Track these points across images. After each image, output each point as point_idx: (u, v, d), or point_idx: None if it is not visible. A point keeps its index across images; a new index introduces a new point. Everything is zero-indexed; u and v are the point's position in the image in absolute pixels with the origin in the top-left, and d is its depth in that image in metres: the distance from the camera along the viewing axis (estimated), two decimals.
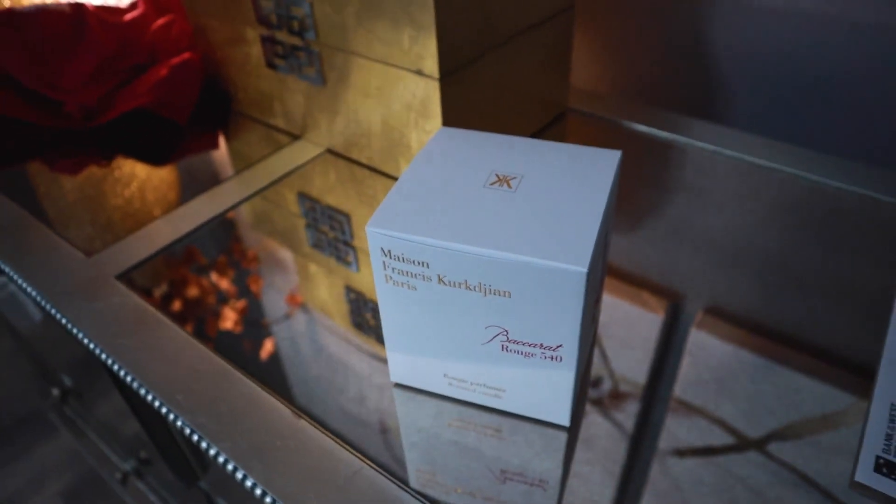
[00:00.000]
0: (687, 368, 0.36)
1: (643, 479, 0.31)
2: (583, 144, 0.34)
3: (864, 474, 0.30)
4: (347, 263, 0.45)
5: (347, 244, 0.46)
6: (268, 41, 0.52)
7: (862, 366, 0.35)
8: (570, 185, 0.30)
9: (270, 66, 0.54)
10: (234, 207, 0.50)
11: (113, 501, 0.98)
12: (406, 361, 0.33)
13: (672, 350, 0.37)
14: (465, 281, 0.27)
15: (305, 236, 0.47)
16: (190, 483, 0.60)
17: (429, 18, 0.40)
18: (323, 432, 0.33)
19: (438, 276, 0.28)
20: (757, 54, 0.56)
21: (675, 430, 0.33)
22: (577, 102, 0.61)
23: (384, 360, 0.37)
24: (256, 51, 0.54)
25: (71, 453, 1.09)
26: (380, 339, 0.38)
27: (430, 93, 0.44)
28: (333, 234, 0.47)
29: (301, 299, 0.42)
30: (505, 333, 0.29)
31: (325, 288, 0.43)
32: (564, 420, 0.32)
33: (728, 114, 0.60)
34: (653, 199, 0.49)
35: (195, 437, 0.33)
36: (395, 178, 0.51)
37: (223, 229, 0.48)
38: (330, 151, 0.55)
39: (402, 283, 0.29)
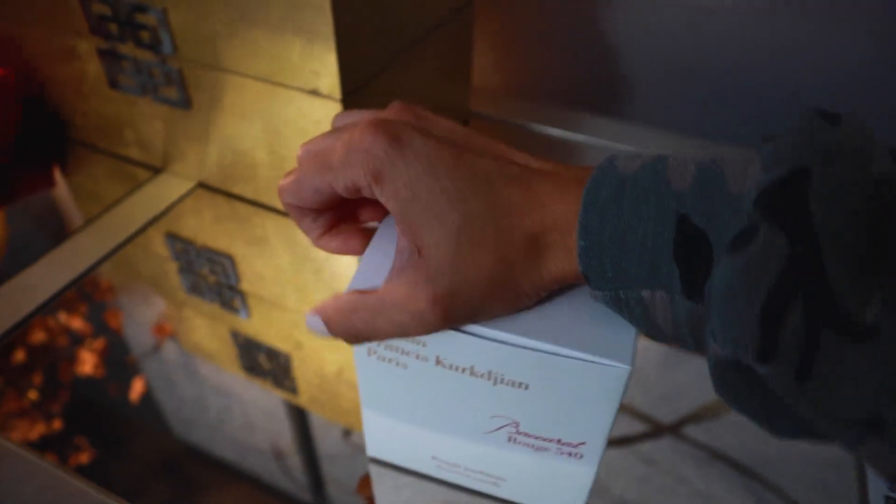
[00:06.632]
0: None
1: None
2: None
3: None
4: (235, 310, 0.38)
5: (232, 289, 0.39)
6: (108, 56, 0.41)
7: None
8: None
9: (114, 86, 0.43)
10: (93, 269, 0.40)
11: None
12: (386, 435, 0.27)
13: None
14: (472, 367, 0.21)
15: (181, 286, 0.38)
16: None
17: (326, 27, 0.33)
18: None
19: (437, 358, 0.22)
20: (659, 48, 0.53)
21: None
22: (480, 106, 0.55)
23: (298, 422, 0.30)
24: (94, 67, 0.43)
25: None
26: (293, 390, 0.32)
27: (329, 114, 0.36)
28: (215, 278, 0.39)
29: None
30: (515, 425, 0.23)
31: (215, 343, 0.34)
32: None
33: (631, 109, 0.58)
34: None
35: None
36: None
37: (83, 299, 0.38)
38: (203, 186, 0.46)
39: (390, 360, 0.23)
